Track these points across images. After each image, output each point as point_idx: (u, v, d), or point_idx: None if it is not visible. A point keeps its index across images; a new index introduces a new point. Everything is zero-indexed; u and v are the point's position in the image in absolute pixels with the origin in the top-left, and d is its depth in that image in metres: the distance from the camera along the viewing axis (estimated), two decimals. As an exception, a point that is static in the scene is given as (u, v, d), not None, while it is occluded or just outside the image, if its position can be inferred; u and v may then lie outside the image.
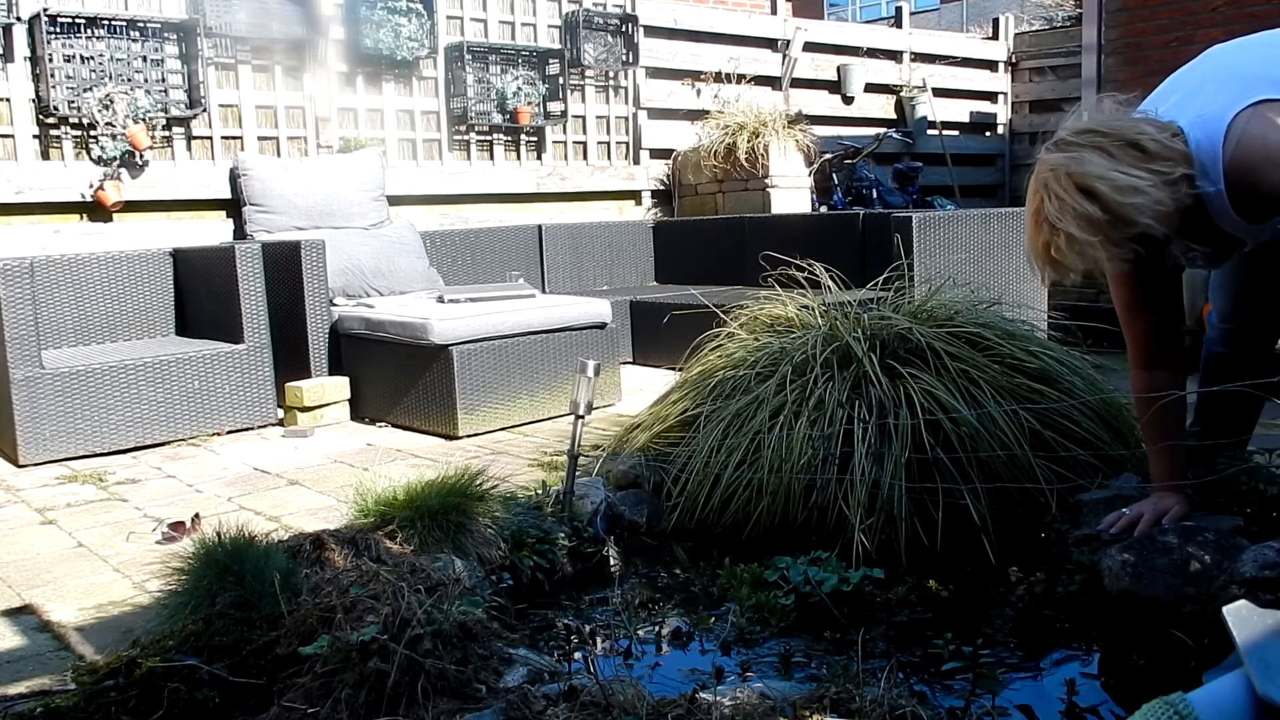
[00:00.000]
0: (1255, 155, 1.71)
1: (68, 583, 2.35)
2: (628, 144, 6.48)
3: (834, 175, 6.93)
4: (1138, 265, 1.80)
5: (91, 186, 4.57)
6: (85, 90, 4.51)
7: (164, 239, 4.68)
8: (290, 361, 4.11)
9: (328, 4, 5.21)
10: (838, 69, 7.39)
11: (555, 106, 5.98)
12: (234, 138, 5.02)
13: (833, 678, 1.55)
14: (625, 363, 4.91)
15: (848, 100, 7.49)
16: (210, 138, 4.94)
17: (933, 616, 2.01)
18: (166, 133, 4.80)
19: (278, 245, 4.18)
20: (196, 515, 2.73)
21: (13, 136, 4.44)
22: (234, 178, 4.84)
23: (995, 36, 8.34)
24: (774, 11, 7.26)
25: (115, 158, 4.57)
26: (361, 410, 4.15)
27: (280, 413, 4.10)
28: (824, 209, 6.74)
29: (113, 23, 4.60)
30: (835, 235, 4.93)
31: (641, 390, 4.29)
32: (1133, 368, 2.10)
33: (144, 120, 4.59)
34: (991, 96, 8.34)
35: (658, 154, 6.58)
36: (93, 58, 4.54)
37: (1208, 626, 1.69)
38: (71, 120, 4.54)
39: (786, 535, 2.35)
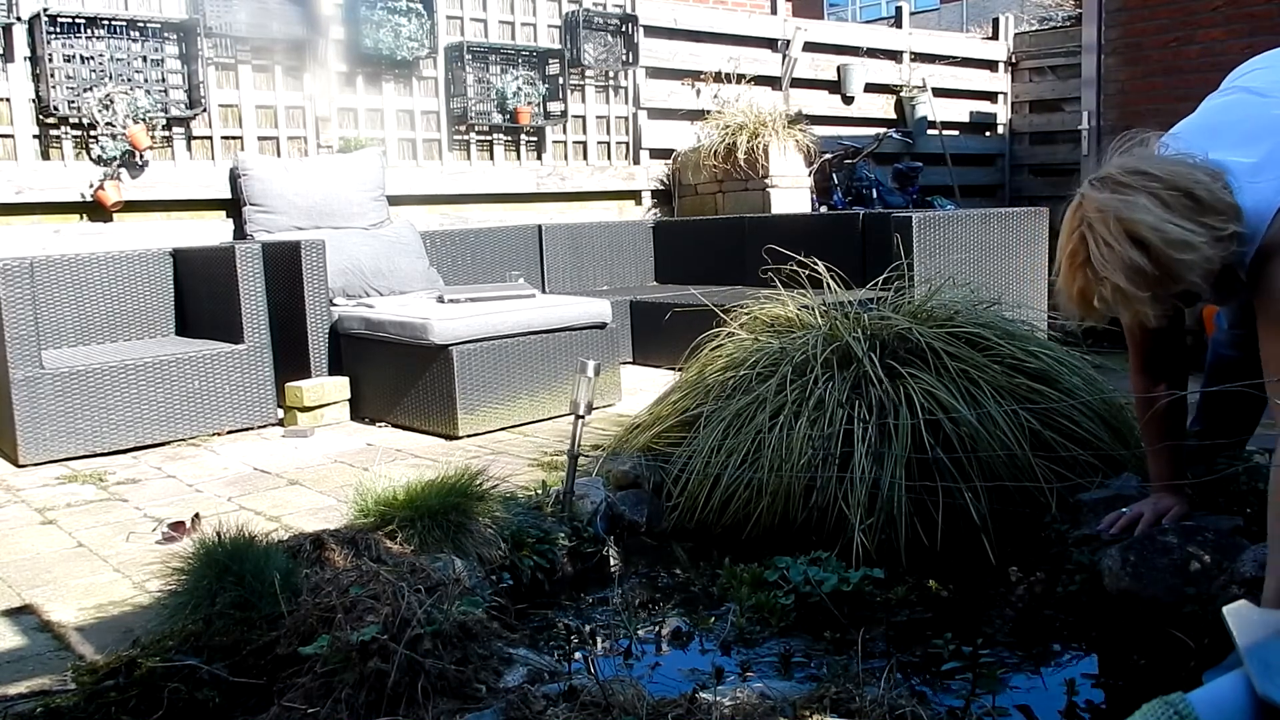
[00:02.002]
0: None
1: (68, 583, 2.34)
2: (628, 144, 6.48)
3: (834, 175, 6.92)
4: None
5: (91, 186, 4.57)
6: (85, 90, 4.51)
7: (164, 239, 4.68)
8: (290, 361, 4.11)
9: (328, 4, 5.21)
10: (838, 69, 7.39)
11: (555, 106, 5.97)
12: (234, 138, 5.02)
13: (833, 678, 1.55)
14: (625, 363, 4.91)
15: (848, 100, 7.48)
16: (210, 138, 4.94)
17: (933, 616, 2.01)
18: (166, 133, 4.80)
19: (278, 245, 4.18)
20: (196, 515, 2.73)
21: (13, 136, 4.44)
22: (234, 178, 4.84)
23: (995, 36, 8.34)
24: (774, 11, 7.26)
25: (115, 158, 4.57)
26: (361, 410, 4.15)
27: (280, 413, 4.10)
28: (824, 209, 6.73)
29: (113, 23, 4.59)
30: (835, 235, 4.93)
31: (641, 390, 4.28)
32: (1133, 372, 2.10)
33: (144, 120, 4.59)
34: (991, 96, 8.33)
35: (658, 154, 6.58)
36: (93, 58, 4.54)
37: (1208, 626, 1.69)
38: (71, 120, 4.53)
39: (786, 535, 2.35)
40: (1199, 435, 2.33)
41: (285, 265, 4.10)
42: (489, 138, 5.89)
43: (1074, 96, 7.26)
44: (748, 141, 6.04)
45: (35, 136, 4.49)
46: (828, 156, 6.79)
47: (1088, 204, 1.64)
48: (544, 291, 5.33)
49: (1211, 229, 1.56)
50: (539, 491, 2.60)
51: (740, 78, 6.71)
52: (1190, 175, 1.60)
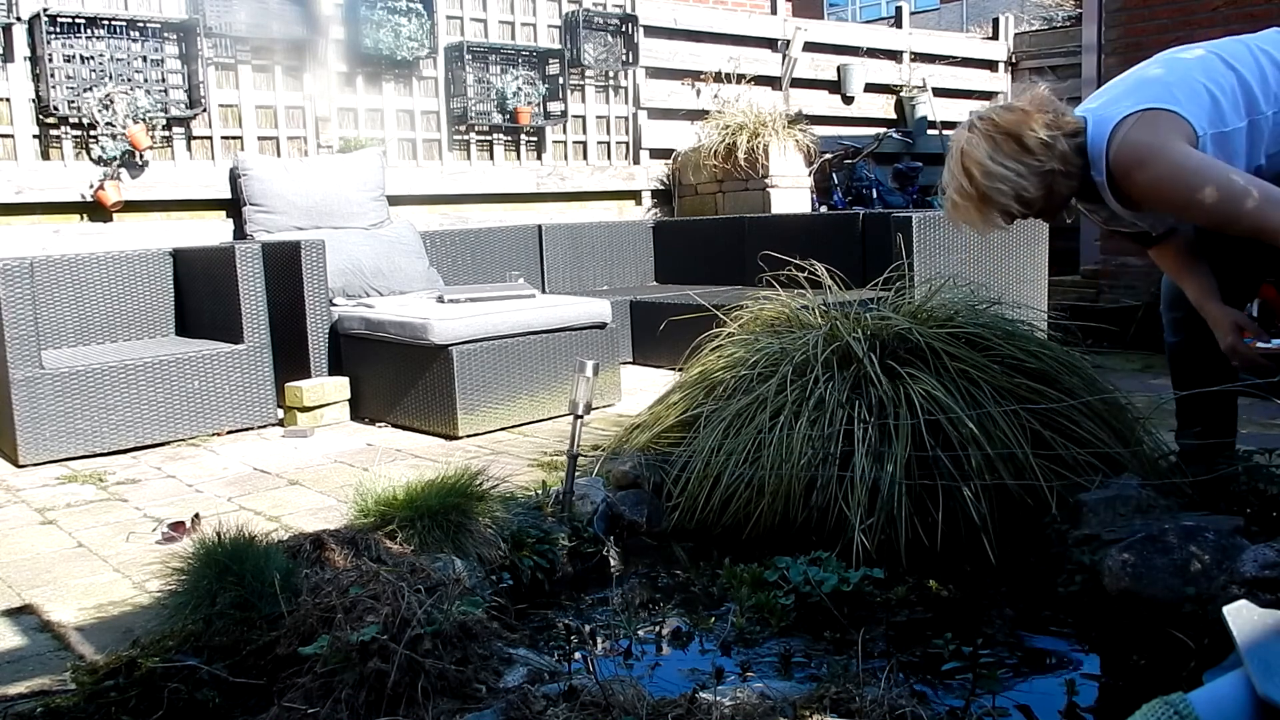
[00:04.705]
0: (1129, 158, 2.00)
1: (68, 583, 2.34)
2: (628, 144, 6.48)
3: (834, 175, 6.92)
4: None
5: (91, 186, 4.57)
6: (85, 90, 4.51)
7: (164, 239, 4.68)
8: (290, 361, 4.11)
9: (328, 4, 5.21)
10: (838, 69, 7.39)
11: (555, 106, 5.98)
12: (234, 138, 5.02)
13: (833, 678, 1.55)
14: (625, 363, 4.91)
15: (848, 100, 7.48)
16: (210, 138, 4.94)
17: (933, 616, 2.01)
18: (166, 133, 4.80)
19: (278, 245, 4.18)
20: (196, 515, 2.73)
21: (13, 136, 4.44)
22: (234, 178, 4.84)
23: (995, 36, 8.34)
24: (774, 11, 7.26)
25: (115, 158, 4.57)
26: (361, 410, 4.15)
27: (280, 413, 4.10)
28: (824, 209, 6.73)
29: (113, 23, 4.60)
30: (835, 235, 4.93)
31: (641, 390, 4.28)
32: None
33: (144, 120, 4.59)
34: (991, 96, 8.33)
35: (658, 154, 6.58)
36: (93, 58, 4.54)
37: (1208, 626, 1.69)
38: (71, 120, 4.54)
39: (786, 535, 2.35)
40: (1198, 435, 2.33)
41: (285, 265, 4.10)
42: (489, 138, 5.89)
43: (1074, 96, 7.25)
44: (748, 141, 6.04)
45: (35, 136, 4.50)
46: (828, 156, 6.78)
47: (956, 136, 2.14)
48: (544, 291, 5.33)
49: (1030, 165, 2.04)
50: (539, 492, 2.60)
51: (740, 78, 6.71)
52: (1027, 124, 2.05)
